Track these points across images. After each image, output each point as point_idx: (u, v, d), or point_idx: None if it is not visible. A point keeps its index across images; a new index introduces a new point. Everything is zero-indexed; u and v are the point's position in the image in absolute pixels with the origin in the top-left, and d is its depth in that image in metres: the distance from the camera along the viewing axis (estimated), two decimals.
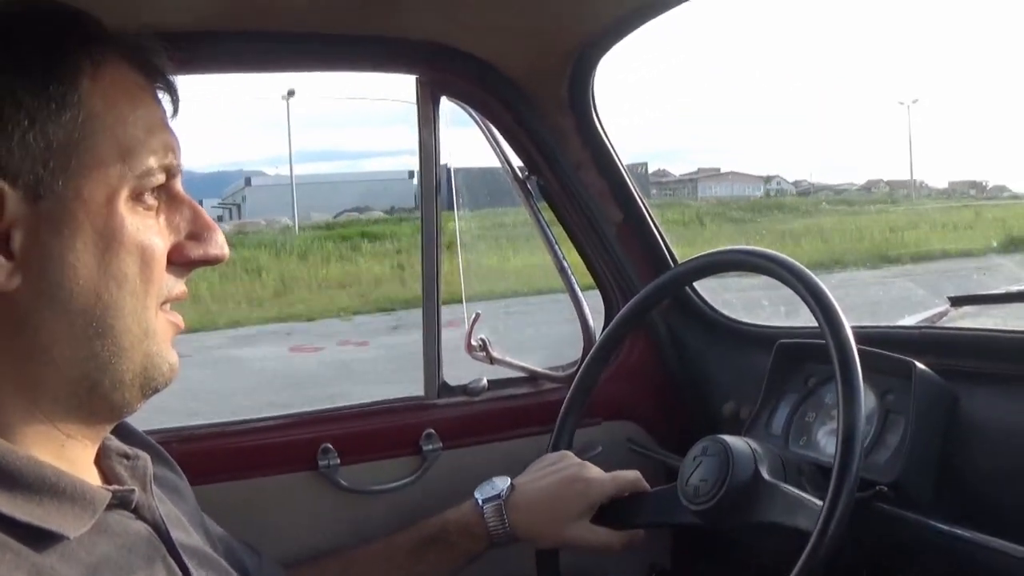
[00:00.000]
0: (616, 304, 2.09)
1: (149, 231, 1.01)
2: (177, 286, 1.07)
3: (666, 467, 1.98)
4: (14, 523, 0.89)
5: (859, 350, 1.35)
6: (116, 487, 1.05)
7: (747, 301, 2.29)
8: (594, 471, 1.67)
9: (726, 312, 2.12)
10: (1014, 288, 1.86)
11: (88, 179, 0.96)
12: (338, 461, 1.87)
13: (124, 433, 1.21)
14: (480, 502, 1.66)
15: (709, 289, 2.13)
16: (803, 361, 1.76)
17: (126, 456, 1.15)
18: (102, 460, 1.11)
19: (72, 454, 1.02)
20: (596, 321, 2.09)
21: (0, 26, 0.97)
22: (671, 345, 2.12)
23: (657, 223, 2.10)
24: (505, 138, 2.02)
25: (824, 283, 1.42)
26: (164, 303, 1.05)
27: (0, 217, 0.93)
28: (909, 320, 1.86)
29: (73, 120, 0.96)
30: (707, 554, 1.98)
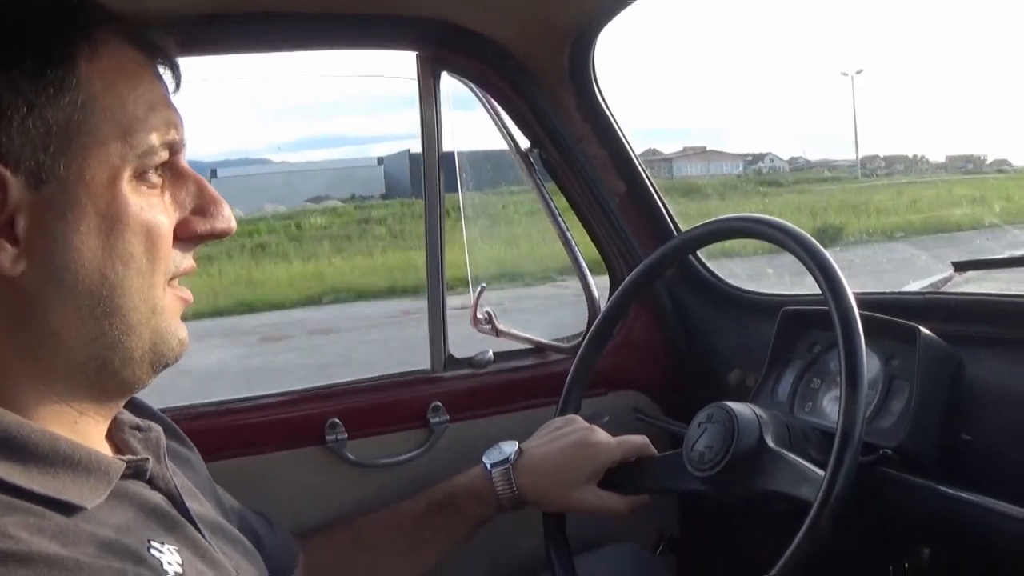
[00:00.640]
0: (621, 275, 2.09)
1: (153, 209, 1.01)
2: (185, 261, 1.07)
3: (672, 436, 1.98)
4: (32, 495, 0.90)
5: (863, 316, 1.35)
6: (130, 457, 1.06)
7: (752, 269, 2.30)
8: (601, 435, 1.68)
9: (731, 281, 2.12)
10: (1018, 252, 1.86)
11: (89, 161, 0.96)
12: (345, 435, 1.88)
13: (136, 408, 1.22)
14: (488, 467, 1.68)
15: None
16: (808, 328, 1.76)
17: (138, 428, 1.16)
18: (115, 433, 1.13)
19: (85, 429, 1.03)
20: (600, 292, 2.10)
21: None
22: (676, 314, 2.12)
23: (660, 193, 2.11)
24: (507, 112, 2.02)
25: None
26: (172, 279, 1.06)
27: (3, 203, 0.93)
28: (914, 286, 1.86)
29: (72, 103, 0.96)
30: (715, 521, 1.99)
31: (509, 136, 2.05)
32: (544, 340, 2.04)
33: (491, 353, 2.03)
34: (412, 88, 1.97)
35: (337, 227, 22.55)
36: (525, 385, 1.88)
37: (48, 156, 0.94)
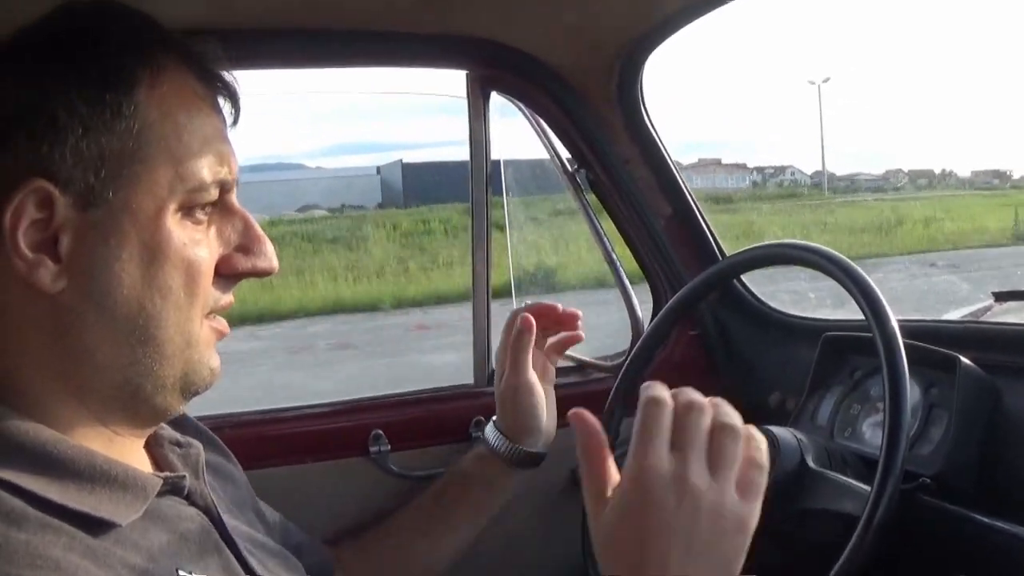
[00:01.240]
0: (664, 296, 2.10)
1: (196, 245, 1.02)
2: (224, 297, 1.08)
3: None
4: (66, 511, 0.90)
5: (904, 344, 1.35)
6: (167, 474, 1.07)
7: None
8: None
9: (773, 304, 2.13)
10: None
11: (138, 190, 0.97)
12: (389, 447, 1.90)
13: (176, 421, 1.22)
14: (484, 435, 1.76)
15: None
16: (849, 354, 1.76)
17: (178, 444, 1.17)
18: (154, 448, 1.14)
19: (121, 447, 1.04)
20: (644, 313, 2.11)
21: (59, 31, 0.99)
22: (718, 336, 2.13)
23: (705, 217, 2.12)
24: (554, 132, 2.04)
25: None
26: (210, 313, 1.07)
27: (49, 221, 0.95)
28: (953, 314, 1.86)
29: (128, 130, 0.97)
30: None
31: (556, 156, 2.07)
32: (587, 358, 2.06)
33: None
34: (445, 97, 2.00)
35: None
36: (567, 402, 1.86)
37: (98, 180, 0.95)
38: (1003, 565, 1.37)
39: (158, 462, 1.13)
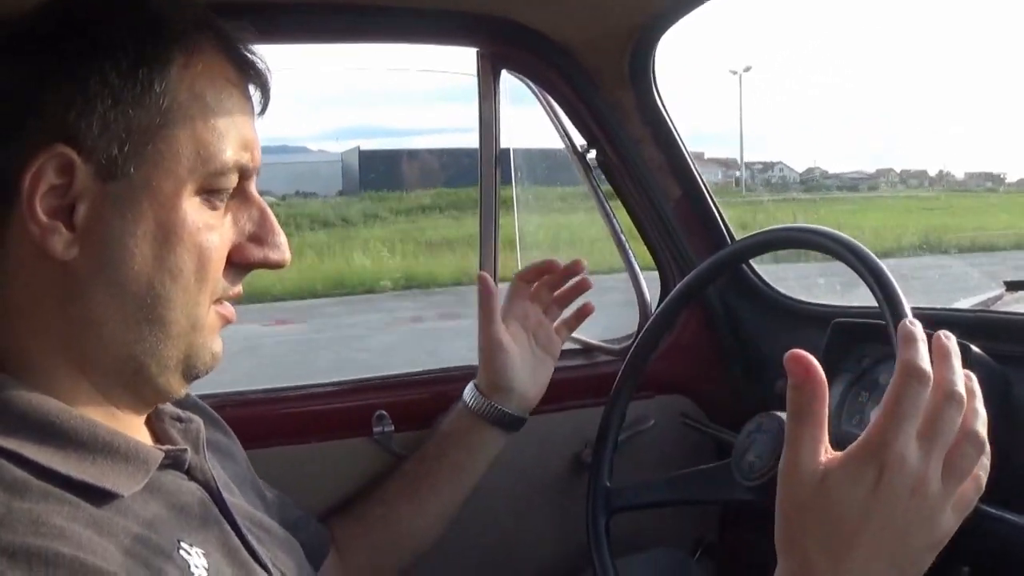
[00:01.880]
0: (672, 279, 2.10)
1: (211, 230, 1.02)
2: (234, 286, 1.08)
3: (718, 442, 1.98)
4: (69, 480, 0.90)
5: None
6: (169, 447, 1.07)
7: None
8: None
9: (782, 289, 2.11)
10: None
11: (159, 168, 0.97)
12: (392, 428, 1.89)
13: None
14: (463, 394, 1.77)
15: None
16: (858, 341, 1.75)
17: (179, 419, 1.17)
18: (155, 423, 1.14)
19: (123, 422, 1.04)
20: (652, 297, 2.10)
21: (100, 3, 0.99)
22: (726, 321, 2.12)
23: (715, 200, 2.11)
24: (565, 112, 2.03)
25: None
26: (218, 300, 1.07)
27: (68, 188, 0.95)
28: (965, 303, 1.85)
29: (156, 106, 0.97)
30: (754, 530, 1.99)
31: (566, 135, 2.06)
32: (593, 341, 2.05)
33: None
34: (455, 84, 1.99)
35: None
36: (573, 385, 1.89)
37: (122, 153, 0.96)
38: (1010, 558, 1.36)
39: (158, 436, 1.13)
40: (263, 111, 1.11)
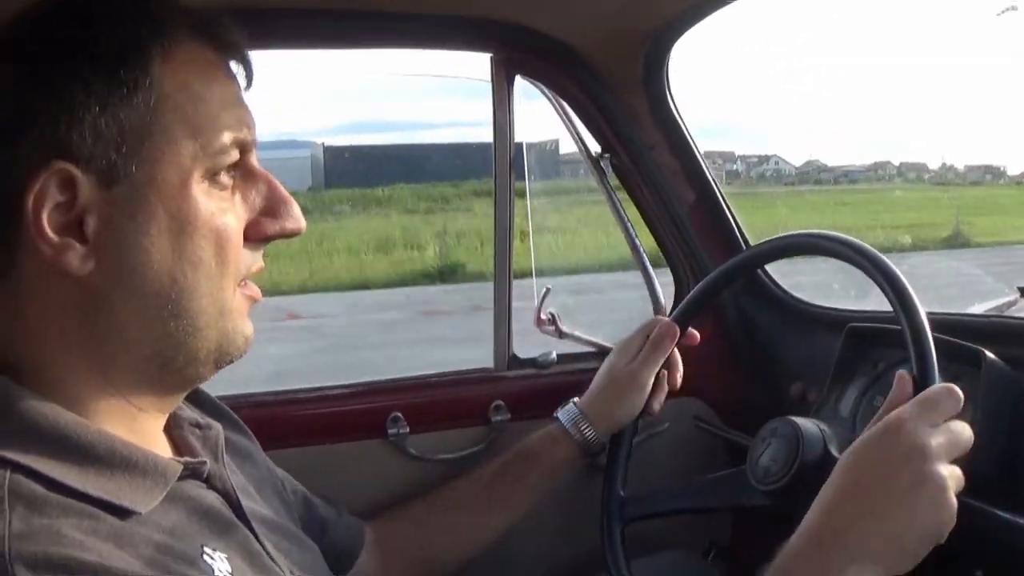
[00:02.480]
0: (687, 283, 2.11)
1: (224, 213, 1.02)
2: (255, 262, 1.08)
3: (731, 445, 1.99)
4: (87, 497, 0.90)
5: None
6: (187, 459, 1.07)
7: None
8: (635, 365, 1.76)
9: (796, 294, 2.12)
10: None
11: (161, 162, 0.97)
12: (407, 430, 1.90)
13: (196, 400, 1.23)
14: (557, 416, 1.76)
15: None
16: (873, 345, 1.75)
17: (198, 426, 1.17)
18: (173, 430, 1.14)
19: (143, 427, 1.04)
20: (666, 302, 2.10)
21: (69, 10, 0.98)
22: (740, 325, 2.13)
23: (730, 205, 2.11)
24: (579, 117, 2.03)
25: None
26: (242, 280, 1.07)
27: (73, 202, 0.94)
28: (978, 308, 1.85)
29: (145, 103, 0.96)
30: (766, 531, 1.99)
31: (580, 140, 2.06)
32: (608, 344, 2.05)
33: (555, 354, 2.05)
34: (471, 81, 1.99)
35: None
36: (587, 387, 1.89)
37: (120, 156, 0.95)
38: (1023, 561, 1.36)
39: (178, 444, 1.13)
40: (249, 84, 1.10)
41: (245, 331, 1.08)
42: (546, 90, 2.01)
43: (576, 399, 1.77)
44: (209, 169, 1.00)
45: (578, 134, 2.06)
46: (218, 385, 1.21)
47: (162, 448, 1.08)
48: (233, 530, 1.08)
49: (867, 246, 1.48)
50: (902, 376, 1.30)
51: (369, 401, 1.94)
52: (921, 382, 1.30)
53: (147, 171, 0.96)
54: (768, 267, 2.10)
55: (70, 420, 0.95)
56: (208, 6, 1.05)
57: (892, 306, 1.39)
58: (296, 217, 1.09)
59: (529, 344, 2.07)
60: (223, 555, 1.01)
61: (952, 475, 1.18)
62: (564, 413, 1.76)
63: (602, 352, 2.03)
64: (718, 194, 2.09)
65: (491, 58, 1.95)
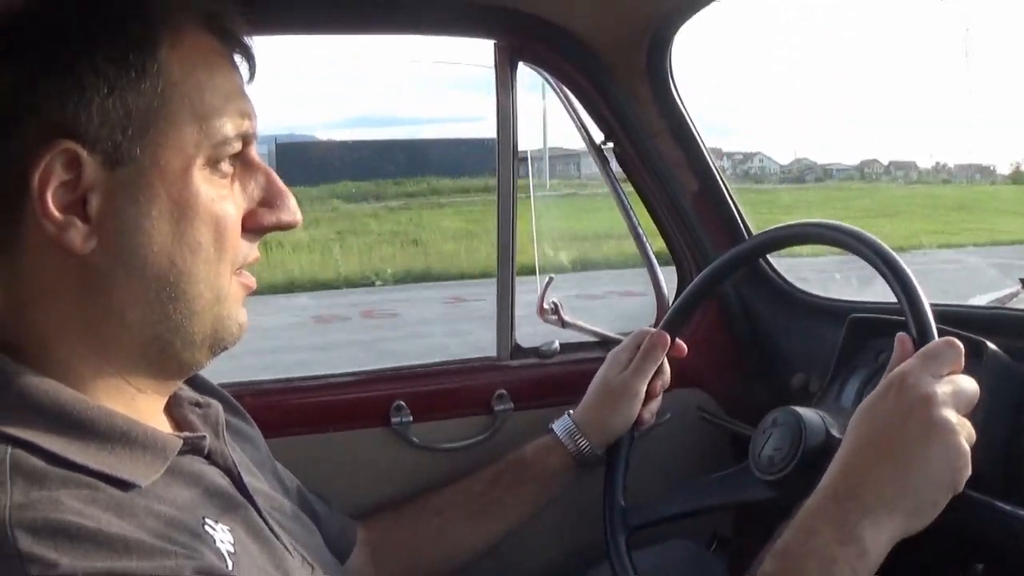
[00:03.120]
0: (689, 273, 2.10)
1: (223, 200, 1.03)
2: (252, 252, 1.09)
3: (734, 435, 1.99)
4: (87, 470, 0.91)
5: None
6: (187, 434, 1.08)
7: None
8: (627, 375, 1.76)
9: (799, 284, 2.11)
10: None
11: (165, 147, 0.98)
12: (410, 419, 1.90)
13: (196, 384, 1.24)
14: (553, 428, 1.76)
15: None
16: (875, 336, 1.74)
17: (198, 404, 1.19)
18: (174, 409, 1.15)
19: (142, 406, 1.05)
20: (669, 290, 2.11)
21: None
22: (743, 315, 2.12)
23: (732, 194, 2.11)
24: (582, 104, 2.02)
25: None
26: (239, 268, 1.08)
27: (78, 181, 0.95)
28: (980, 300, 1.85)
29: (152, 88, 0.97)
30: (769, 522, 1.99)
31: (583, 128, 2.06)
32: (611, 334, 2.05)
33: (557, 344, 2.05)
34: (466, 73, 1.98)
35: None
36: (590, 377, 1.88)
37: (126, 139, 0.96)
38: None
39: (178, 423, 1.15)
40: (251, 78, 1.12)
41: (239, 318, 1.09)
42: (549, 77, 2.00)
43: (571, 410, 1.78)
44: (211, 157, 1.02)
45: (581, 122, 2.05)
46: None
47: (162, 426, 1.09)
48: (235, 504, 1.09)
49: (871, 236, 1.48)
50: (901, 337, 1.32)
51: (372, 389, 1.94)
52: (920, 339, 1.31)
53: (151, 155, 0.98)
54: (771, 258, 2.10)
55: (70, 396, 0.96)
56: None
57: (896, 296, 1.38)
58: (292, 210, 1.11)
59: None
60: (225, 527, 1.02)
61: (962, 423, 1.20)
62: (558, 424, 1.76)
63: (605, 341, 2.04)
64: (721, 184, 2.09)
65: (494, 45, 1.95)
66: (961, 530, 1.41)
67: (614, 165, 2.06)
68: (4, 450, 0.88)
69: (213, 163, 1.02)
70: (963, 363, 1.25)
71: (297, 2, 1.73)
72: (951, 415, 1.19)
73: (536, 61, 1.97)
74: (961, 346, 1.25)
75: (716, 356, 2.10)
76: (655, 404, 1.80)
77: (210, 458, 1.11)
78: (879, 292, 1.49)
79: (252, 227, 1.08)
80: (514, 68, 1.95)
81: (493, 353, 2.06)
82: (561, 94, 2.03)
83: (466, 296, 14.48)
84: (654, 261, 2.09)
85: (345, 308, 14.89)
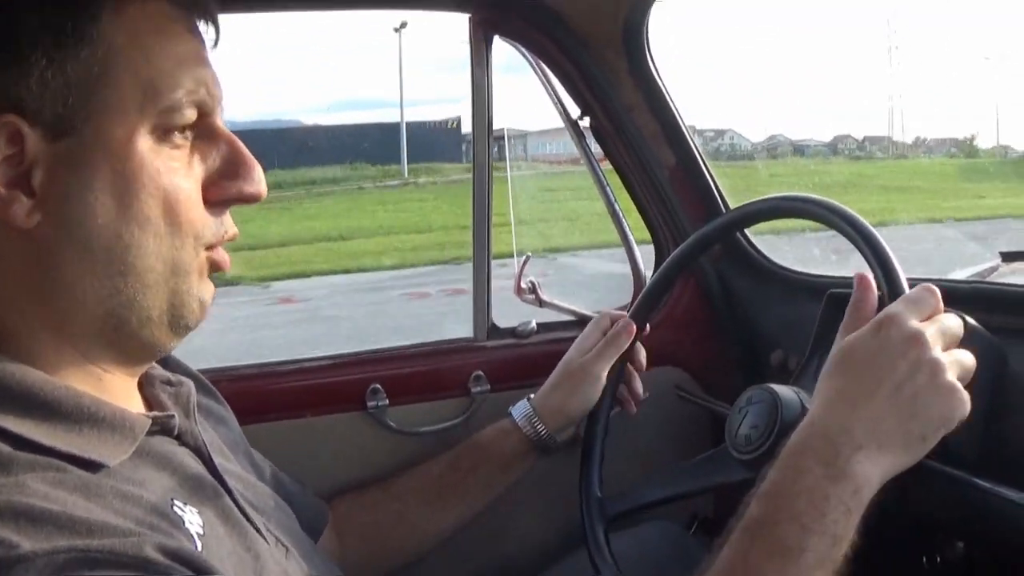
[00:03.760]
0: (667, 248, 2.08)
1: (173, 173, 1.00)
2: (223, 227, 1.06)
3: (712, 414, 1.98)
4: (54, 452, 0.90)
5: None
6: (156, 413, 1.06)
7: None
8: (587, 358, 1.75)
9: (777, 260, 2.09)
10: None
11: (108, 117, 0.96)
12: (387, 402, 1.89)
13: (167, 364, 1.23)
14: (510, 411, 1.76)
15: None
16: None
17: (169, 383, 1.16)
18: (146, 388, 1.13)
19: (112, 387, 1.03)
20: (646, 266, 2.09)
21: None
22: (721, 292, 2.10)
23: (710, 168, 2.09)
24: (558, 78, 2.01)
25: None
26: (212, 244, 1.05)
27: (21, 155, 0.93)
28: (960, 274, 1.83)
29: (92, 56, 0.95)
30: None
31: (559, 102, 2.04)
32: (588, 312, 2.03)
33: (534, 324, 2.04)
34: (453, 54, 1.97)
35: None
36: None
37: (67, 109, 0.94)
38: (1003, 532, 1.34)
39: (149, 402, 1.13)
40: (215, 44, 1.08)
41: (201, 294, 1.06)
42: (525, 51, 1.98)
43: (531, 395, 1.77)
44: (158, 126, 0.98)
45: (557, 97, 2.03)
46: None
47: (133, 405, 1.07)
48: (204, 486, 1.07)
49: (848, 210, 1.47)
50: (861, 277, 1.35)
51: (348, 373, 1.93)
52: (891, 289, 1.34)
53: (93, 125, 0.95)
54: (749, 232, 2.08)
55: (37, 378, 0.95)
56: None
57: (872, 270, 1.38)
58: (256, 180, 1.07)
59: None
60: (194, 509, 1.00)
61: (955, 361, 1.22)
62: (517, 408, 1.76)
63: (582, 320, 2.02)
64: (698, 157, 2.07)
65: (469, 19, 1.93)
66: (940, 508, 1.40)
67: (591, 142, 2.03)
68: None
69: (162, 132, 0.99)
70: (942, 307, 1.27)
71: None
72: (940, 354, 1.20)
73: (511, 34, 1.95)
74: (938, 291, 1.26)
75: (694, 334, 2.09)
76: (637, 385, 1.80)
77: (180, 439, 1.09)
78: (858, 268, 1.46)
79: (214, 199, 1.04)
80: (489, 42, 1.93)
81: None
82: (537, 68, 2.00)
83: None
84: (631, 237, 2.06)
85: None
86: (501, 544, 1.94)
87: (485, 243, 1.98)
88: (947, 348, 1.23)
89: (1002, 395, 1.44)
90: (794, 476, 1.17)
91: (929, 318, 1.24)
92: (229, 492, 1.11)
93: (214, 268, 1.07)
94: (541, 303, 2.03)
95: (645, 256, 2.09)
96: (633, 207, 2.12)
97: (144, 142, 0.97)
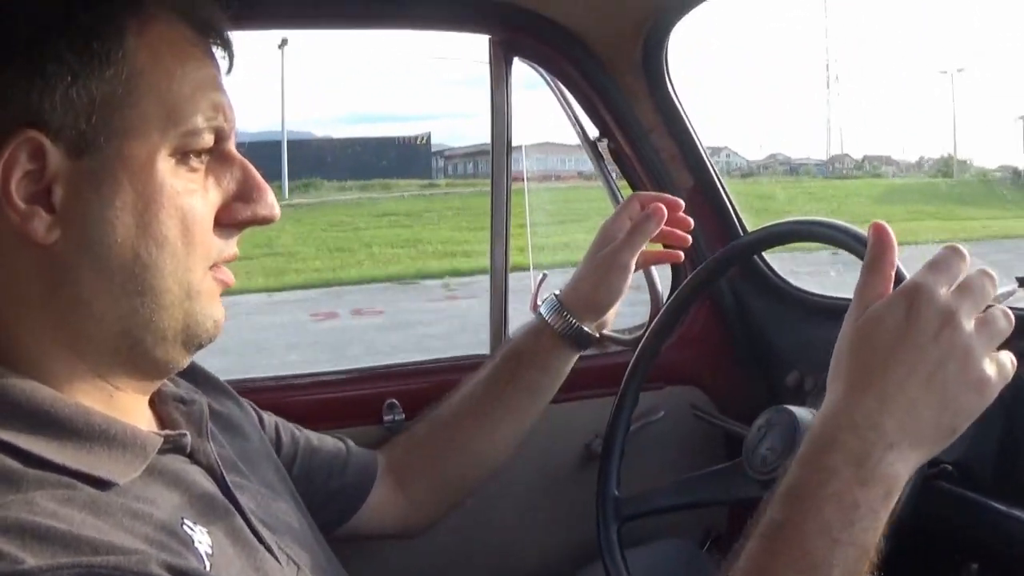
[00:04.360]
0: (684, 270, 2.08)
1: (191, 194, 1.01)
2: (228, 248, 1.07)
3: (728, 433, 1.98)
4: (64, 469, 0.90)
5: None
6: (168, 432, 1.07)
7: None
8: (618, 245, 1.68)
9: (793, 282, 2.10)
10: None
11: (130, 137, 0.96)
12: (403, 416, 1.89)
13: (189, 370, 1.22)
14: (539, 309, 1.72)
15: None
16: None
17: (182, 401, 1.17)
18: (158, 406, 1.14)
19: (123, 404, 1.04)
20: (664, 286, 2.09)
21: None
22: (737, 313, 2.11)
23: (727, 191, 2.10)
24: (577, 100, 2.02)
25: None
26: (214, 265, 1.06)
27: (42, 171, 0.94)
28: None
29: (117, 76, 0.96)
30: None
31: (578, 124, 2.05)
32: (605, 331, 2.04)
33: None
34: (460, 70, 1.98)
35: None
36: (584, 375, 1.87)
37: (90, 127, 0.95)
38: (1017, 554, 1.35)
39: (162, 419, 1.13)
40: (229, 70, 1.09)
41: (215, 315, 1.07)
42: (544, 73, 1.99)
43: (557, 291, 1.72)
44: (178, 148, 1.00)
45: (576, 118, 2.04)
46: None
47: (145, 423, 1.08)
48: (215, 505, 1.07)
49: (861, 231, 1.46)
50: (878, 224, 1.15)
51: (365, 387, 1.94)
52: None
53: (116, 144, 0.96)
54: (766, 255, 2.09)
55: (47, 395, 0.95)
56: None
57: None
58: (269, 204, 1.08)
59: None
60: (204, 529, 1.00)
61: (983, 341, 1.08)
62: (545, 304, 1.71)
63: (600, 338, 2.03)
64: (716, 180, 2.08)
65: (489, 40, 1.94)
66: (955, 529, 1.41)
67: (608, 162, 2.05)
68: None
69: (181, 155, 1.00)
70: (968, 266, 1.10)
71: None
72: (972, 335, 1.06)
73: (531, 56, 1.97)
74: (964, 249, 1.10)
75: (710, 354, 2.10)
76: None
77: (192, 457, 1.09)
78: None
79: (227, 222, 1.06)
80: (509, 63, 1.95)
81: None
82: (556, 90, 2.02)
83: None
84: None
85: None
86: (514, 559, 1.94)
87: (502, 260, 1.99)
88: (980, 321, 1.08)
89: (1018, 419, 1.45)
90: (820, 478, 1.04)
91: (957, 286, 1.08)
92: (241, 511, 1.11)
93: (221, 287, 1.09)
94: None
95: (662, 276, 2.10)
96: None
97: (164, 164, 0.99)
